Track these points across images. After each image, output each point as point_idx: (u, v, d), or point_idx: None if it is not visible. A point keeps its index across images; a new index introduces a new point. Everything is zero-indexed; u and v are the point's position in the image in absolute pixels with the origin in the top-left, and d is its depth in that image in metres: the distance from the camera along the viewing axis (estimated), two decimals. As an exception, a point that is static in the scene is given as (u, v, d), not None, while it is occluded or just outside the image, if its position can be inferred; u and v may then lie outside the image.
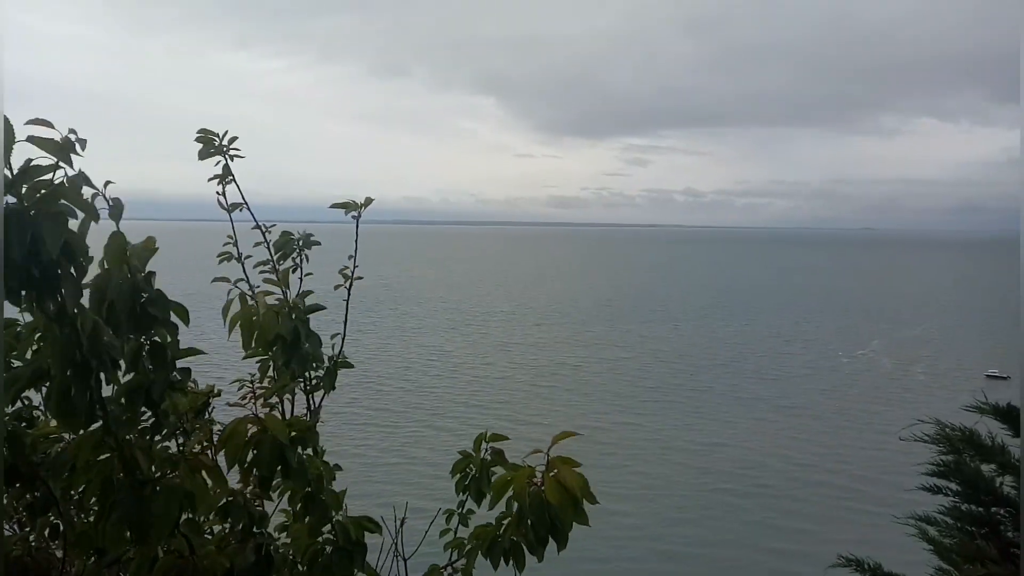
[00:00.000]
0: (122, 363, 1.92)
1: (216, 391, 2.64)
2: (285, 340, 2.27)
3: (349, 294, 3.28)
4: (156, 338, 1.99)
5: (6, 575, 2.84)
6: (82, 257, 1.76)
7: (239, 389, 3.52)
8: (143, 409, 2.01)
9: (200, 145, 3.01)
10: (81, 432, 1.95)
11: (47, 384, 1.98)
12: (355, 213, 3.24)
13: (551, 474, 2.25)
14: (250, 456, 2.30)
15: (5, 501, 2.69)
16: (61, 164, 1.73)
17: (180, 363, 2.09)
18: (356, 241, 3.27)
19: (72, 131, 1.77)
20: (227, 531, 2.54)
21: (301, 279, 3.00)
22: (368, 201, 3.23)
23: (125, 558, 2.64)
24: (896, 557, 5.05)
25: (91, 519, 2.76)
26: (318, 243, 3.38)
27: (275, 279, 2.73)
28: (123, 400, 1.98)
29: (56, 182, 1.72)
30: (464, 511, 2.82)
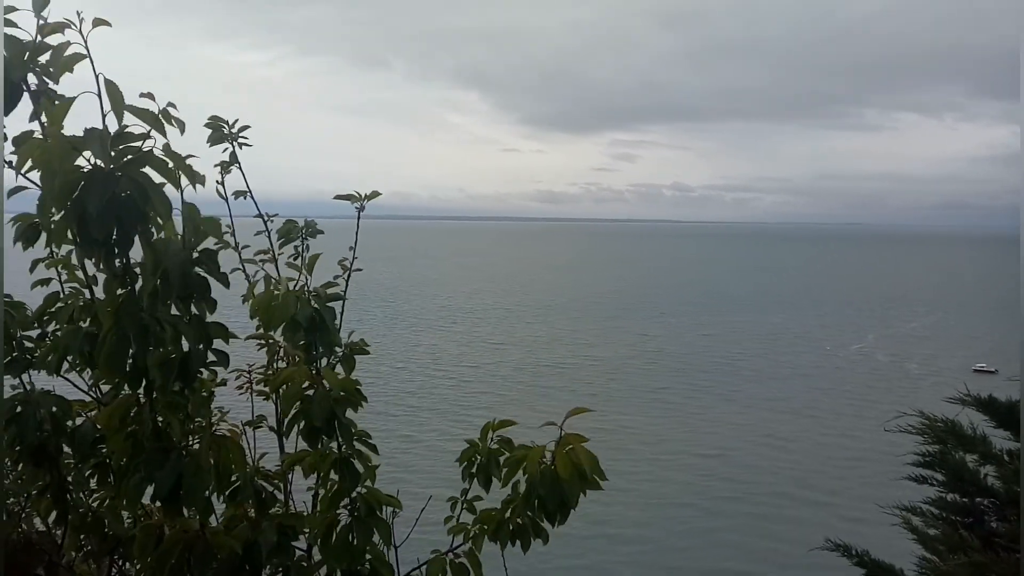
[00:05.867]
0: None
1: (221, 380, 2.67)
2: (300, 324, 2.32)
3: (347, 286, 3.29)
4: (195, 311, 2.01)
5: (6, 556, 2.86)
6: (164, 222, 1.83)
7: (236, 378, 3.57)
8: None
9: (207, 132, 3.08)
10: (116, 397, 1.99)
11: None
12: (358, 205, 3.30)
13: (564, 450, 2.29)
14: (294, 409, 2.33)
15: (19, 483, 2.73)
16: (153, 134, 1.81)
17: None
18: (356, 234, 3.32)
19: (171, 104, 1.86)
20: (237, 511, 2.56)
21: (302, 269, 3.05)
22: (374, 194, 3.27)
23: (128, 536, 2.66)
24: (884, 547, 5.11)
25: (95, 503, 2.81)
26: (321, 232, 3.43)
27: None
28: (156, 369, 1.97)
29: (145, 150, 1.80)
30: (468, 498, 2.86)
